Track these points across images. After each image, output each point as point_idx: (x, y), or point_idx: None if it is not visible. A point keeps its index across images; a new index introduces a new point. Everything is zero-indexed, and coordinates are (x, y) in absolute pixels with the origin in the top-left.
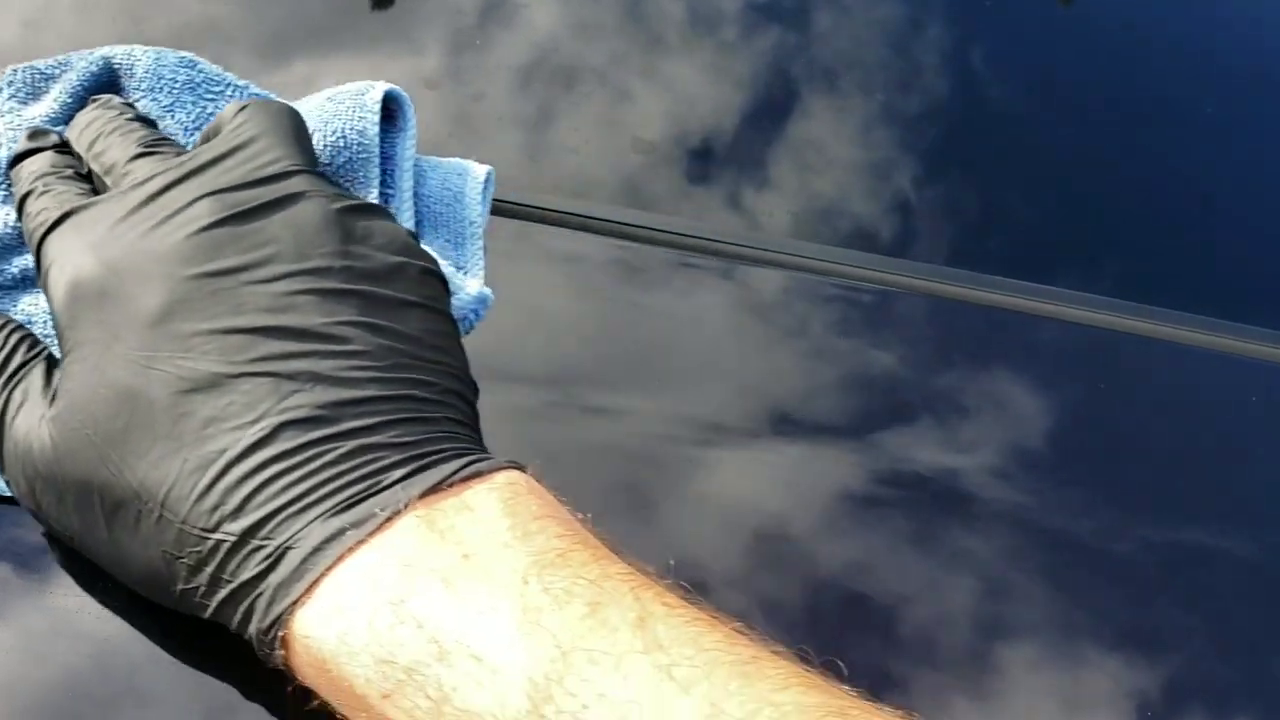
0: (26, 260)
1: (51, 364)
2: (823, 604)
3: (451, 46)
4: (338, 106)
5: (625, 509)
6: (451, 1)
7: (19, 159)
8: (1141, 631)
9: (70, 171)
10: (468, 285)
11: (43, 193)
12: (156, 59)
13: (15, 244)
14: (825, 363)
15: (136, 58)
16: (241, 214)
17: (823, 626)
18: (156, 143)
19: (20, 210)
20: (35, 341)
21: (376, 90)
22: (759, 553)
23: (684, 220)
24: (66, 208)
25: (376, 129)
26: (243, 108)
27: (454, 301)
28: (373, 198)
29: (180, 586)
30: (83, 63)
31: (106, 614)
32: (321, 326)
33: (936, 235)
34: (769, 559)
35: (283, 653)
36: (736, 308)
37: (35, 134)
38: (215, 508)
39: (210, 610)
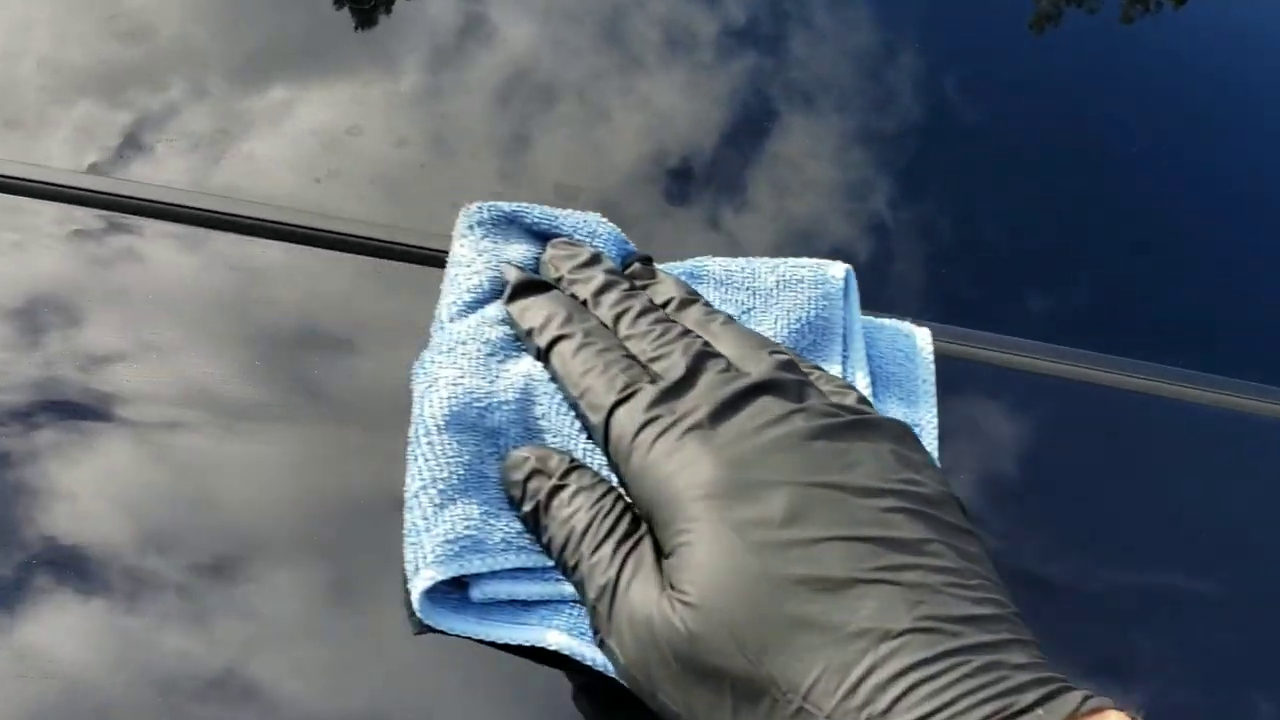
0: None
1: (654, 541)
2: None
3: (430, 66)
4: (798, 296)
5: None
6: (430, 23)
7: (520, 292)
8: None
9: (595, 325)
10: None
11: (583, 346)
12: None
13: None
14: None
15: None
16: (829, 430)
17: None
18: (706, 350)
19: (549, 350)
20: (637, 516)
21: (838, 275)
22: None
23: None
24: (635, 386)
25: (841, 315)
26: None
27: None
28: (836, 372)
29: None
30: (598, 227)
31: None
32: (918, 542)
33: (901, 279)
34: None
35: None
36: None
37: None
38: (862, 706)
39: None
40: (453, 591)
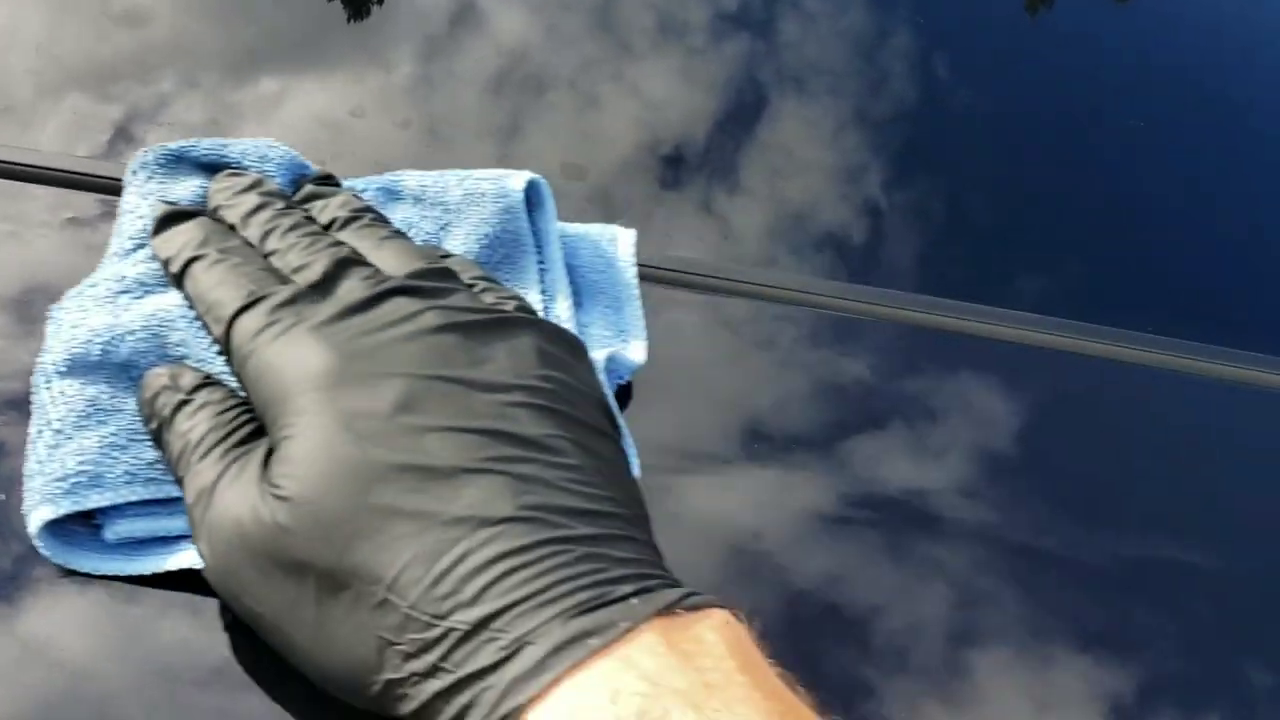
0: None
1: (272, 450)
2: (803, 615)
3: (421, 59)
4: (483, 210)
5: None
6: (421, 14)
7: (163, 224)
8: (1108, 636)
9: (234, 244)
10: (631, 351)
11: (216, 262)
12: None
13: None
14: (798, 388)
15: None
16: (464, 326)
17: (803, 636)
18: (351, 258)
19: (182, 274)
20: (260, 427)
21: (517, 186)
22: (740, 568)
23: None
24: (263, 292)
25: (527, 225)
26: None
27: (618, 363)
28: (533, 285)
29: (387, 675)
30: (247, 150)
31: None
32: (541, 437)
33: (895, 261)
34: (749, 574)
35: None
36: (701, 335)
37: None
38: (448, 595)
39: (416, 703)
40: (94, 534)
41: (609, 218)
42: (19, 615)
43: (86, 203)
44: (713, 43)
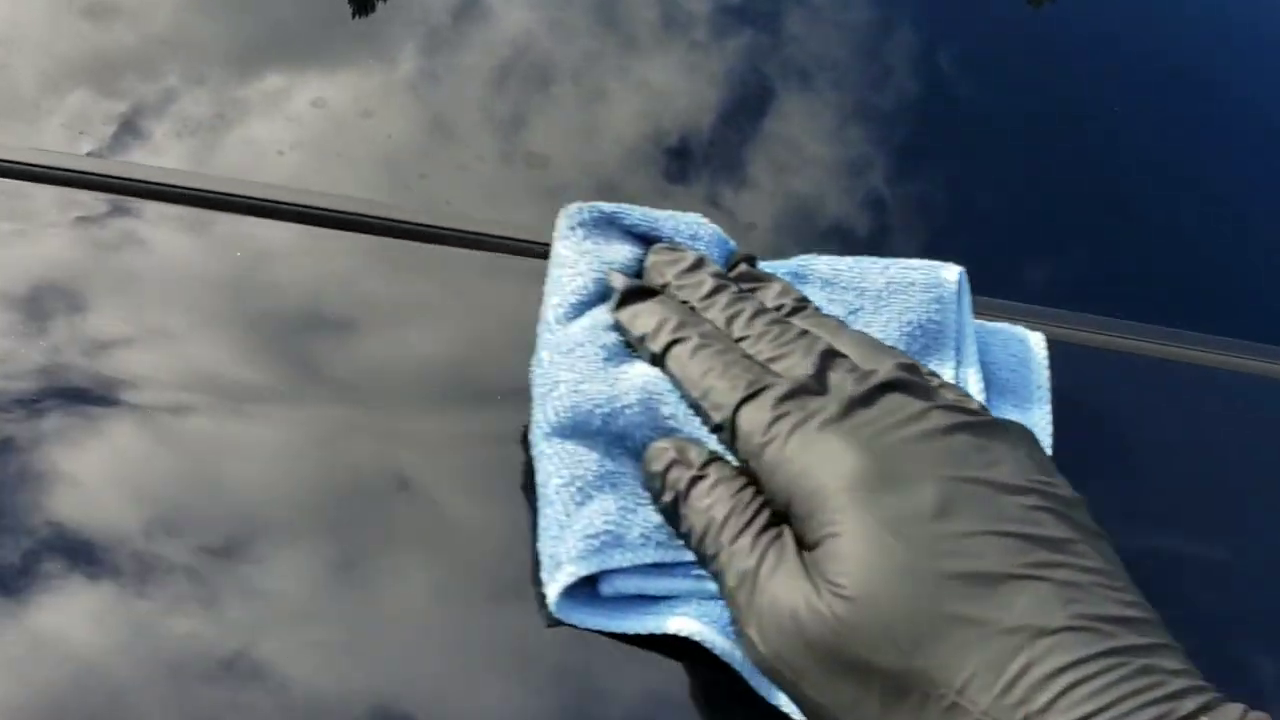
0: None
1: (794, 535)
2: None
3: (425, 53)
4: (910, 299)
5: None
6: (421, 11)
7: (627, 299)
8: None
9: (710, 329)
10: None
11: (699, 348)
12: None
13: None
14: None
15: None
16: (970, 426)
17: None
18: (832, 350)
19: (664, 354)
20: (775, 511)
21: (951, 279)
22: None
23: None
24: (761, 384)
25: (955, 318)
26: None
27: None
28: (949, 377)
29: None
30: (696, 228)
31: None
32: (1065, 541)
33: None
34: None
35: None
36: None
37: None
38: (1019, 703)
39: None
40: (582, 587)
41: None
42: (27, 610)
43: (92, 201)
44: (713, 35)
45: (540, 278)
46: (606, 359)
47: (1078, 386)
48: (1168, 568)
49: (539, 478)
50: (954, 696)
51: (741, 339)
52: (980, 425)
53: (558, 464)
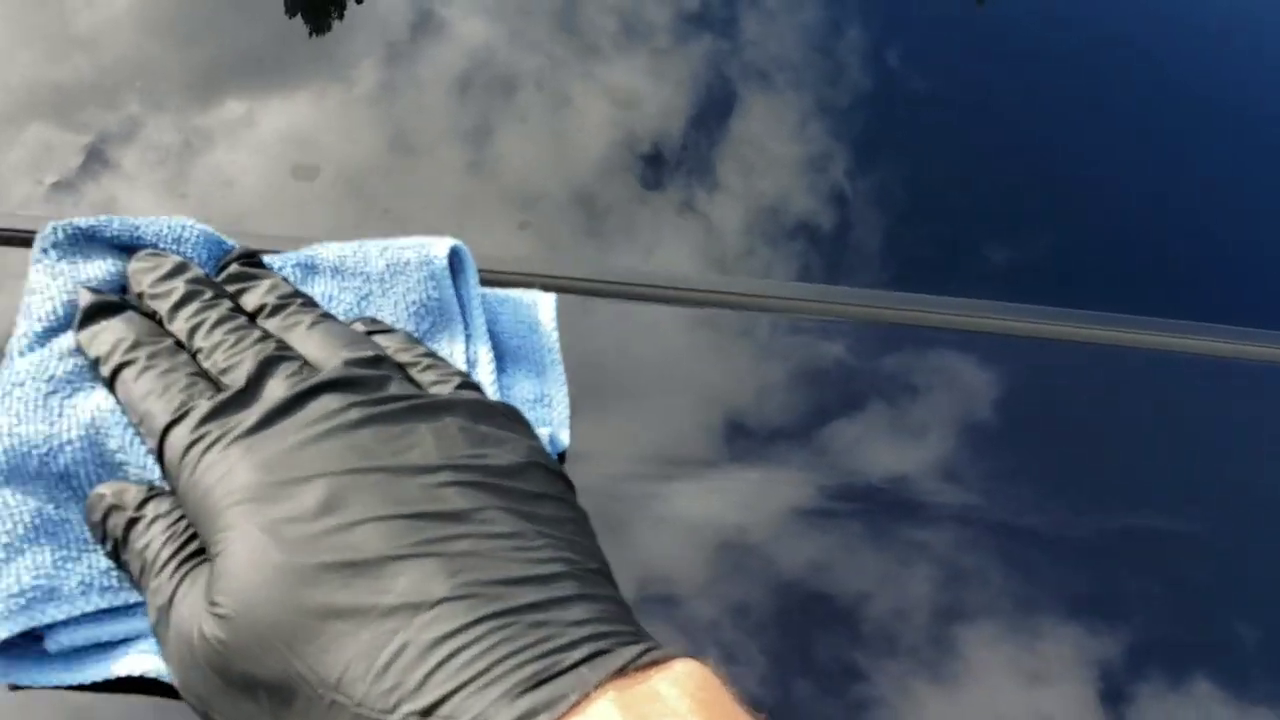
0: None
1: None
2: (792, 606)
3: (383, 70)
4: (408, 279)
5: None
6: (381, 31)
7: (91, 316)
8: (1092, 609)
9: (163, 346)
10: (560, 434)
11: (145, 369)
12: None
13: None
14: (776, 387)
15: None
16: (387, 416)
17: (792, 627)
18: (276, 355)
19: (114, 377)
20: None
21: (440, 254)
22: (728, 565)
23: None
24: (192, 404)
25: (453, 293)
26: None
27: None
28: (459, 351)
29: None
30: (173, 229)
31: None
32: (473, 511)
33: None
34: (738, 570)
35: None
36: (677, 343)
37: (99, 298)
38: (393, 688)
39: None
40: (35, 644)
41: (593, 222)
42: None
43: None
44: (675, 41)
45: None
46: (51, 393)
47: (1042, 379)
48: (1142, 543)
49: None
50: (332, 694)
51: (199, 351)
52: (403, 411)
53: None
